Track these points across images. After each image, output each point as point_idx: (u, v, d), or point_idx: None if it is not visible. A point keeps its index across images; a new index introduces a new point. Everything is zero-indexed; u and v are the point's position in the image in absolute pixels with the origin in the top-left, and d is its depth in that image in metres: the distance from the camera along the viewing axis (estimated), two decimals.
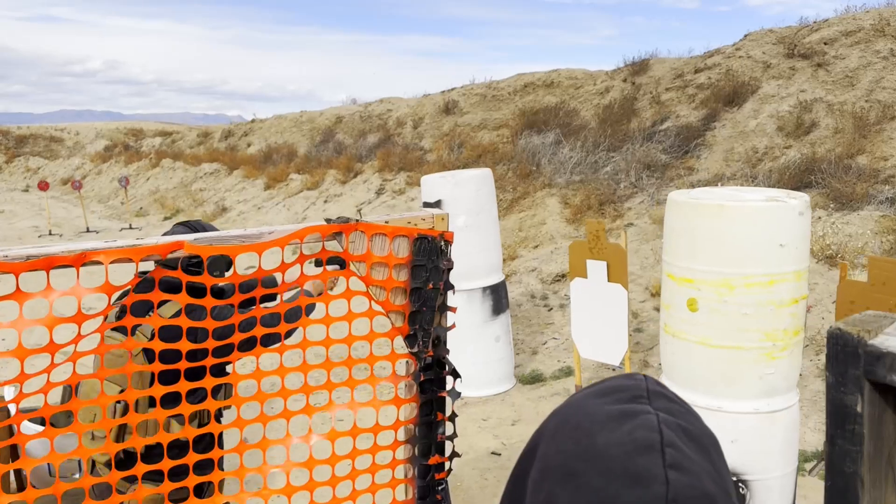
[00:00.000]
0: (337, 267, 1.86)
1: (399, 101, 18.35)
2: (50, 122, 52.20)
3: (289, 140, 19.77)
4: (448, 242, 1.79)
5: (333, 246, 1.73)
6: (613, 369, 5.88)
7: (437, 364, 1.84)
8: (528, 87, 14.16)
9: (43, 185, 16.43)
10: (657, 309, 6.55)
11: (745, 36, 11.44)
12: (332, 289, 2.36)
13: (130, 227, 15.83)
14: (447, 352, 1.84)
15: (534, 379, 5.76)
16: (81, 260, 1.50)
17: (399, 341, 1.81)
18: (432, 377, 1.83)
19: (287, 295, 2.23)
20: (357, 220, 1.72)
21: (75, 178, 21.08)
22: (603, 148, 9.79)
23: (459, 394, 1.89)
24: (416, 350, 1.81)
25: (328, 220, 1.72)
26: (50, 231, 15.31)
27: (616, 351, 5.13)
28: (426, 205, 5.33)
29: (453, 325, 1.86)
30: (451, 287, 1.80)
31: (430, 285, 1.75)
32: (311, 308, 2.23)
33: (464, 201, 5.13)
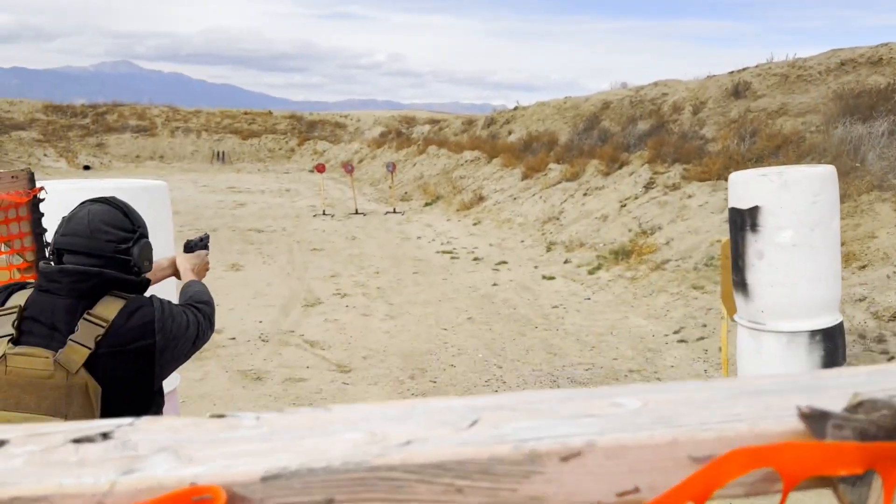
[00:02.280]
0: None
1: (676, 84, 16.46)
2: (340, 110, 57.76)
3: (550, 128, 18.89)
4: None
5: None
6: None
7: None
8: (845, 66, 11.58)
9: (320, 168, 17.48)
10: None
11: None
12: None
13: (395, 211, 16.16)
14: None
15: None
16: None
17: None
18: None
19: (191, 289, 1.99)
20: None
21: (348, 163, 22.38)
22: None
23: None
24: None
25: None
26: (324, 211, 16.19)
27: None
28: (734, 211, 3.95)
29: None
30: None
31: None
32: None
33: (794, 210, 3.67)
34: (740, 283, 3.88)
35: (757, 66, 14.07)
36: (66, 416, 1.54)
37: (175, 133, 34.40)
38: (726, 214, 8.98)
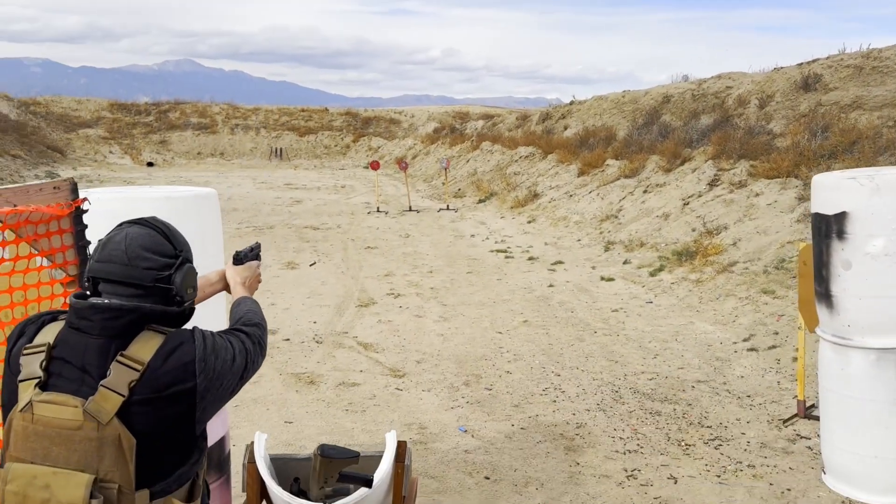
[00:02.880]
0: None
1: (741, 77, 15.83)
2: (394, 105, 58.01)
3: (607, 122, 18.45)
4: None
5: None
6: None
7: None
8: None
9: (374, 165, 17.48)
10: None
11: None
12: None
13: (448, 208, 16.04)
14: None
15: None
16: None
17: None
18: None
19: (241, 309, 1.81)
20: None
21: (402, 160, 22.38)
22: None
23: None
24: None
25: None
26: (378, 208, 16.20)
27: None
28: (818, 217, 3.65)
29: None
30: None
31: None
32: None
33: (887, 217, 3.35)
34: (823, 295, 3.57)
35: (828, 58, 13.40)
36: (98, 472, 1.39)
37: (235, 130, 35.06)
38: (797, 214, 8.55)
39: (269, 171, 27.38)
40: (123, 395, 1.40)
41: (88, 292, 1.51)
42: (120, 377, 1.41)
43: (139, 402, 1.42)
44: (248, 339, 1.64)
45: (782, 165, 9.74)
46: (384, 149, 31.98)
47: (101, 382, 1.41)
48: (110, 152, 30.56)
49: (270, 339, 6.45)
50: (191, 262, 1.60)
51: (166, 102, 36.92)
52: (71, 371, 1.44)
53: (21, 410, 1.42)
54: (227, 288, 1.99)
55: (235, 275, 1.97)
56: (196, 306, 1.67)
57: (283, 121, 36.41)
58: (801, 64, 14.04)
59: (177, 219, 2.40)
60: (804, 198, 8.40)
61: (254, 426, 4.49)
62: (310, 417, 4.68)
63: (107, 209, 2.22)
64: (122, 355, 1.43)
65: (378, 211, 15.77)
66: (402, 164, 17.98)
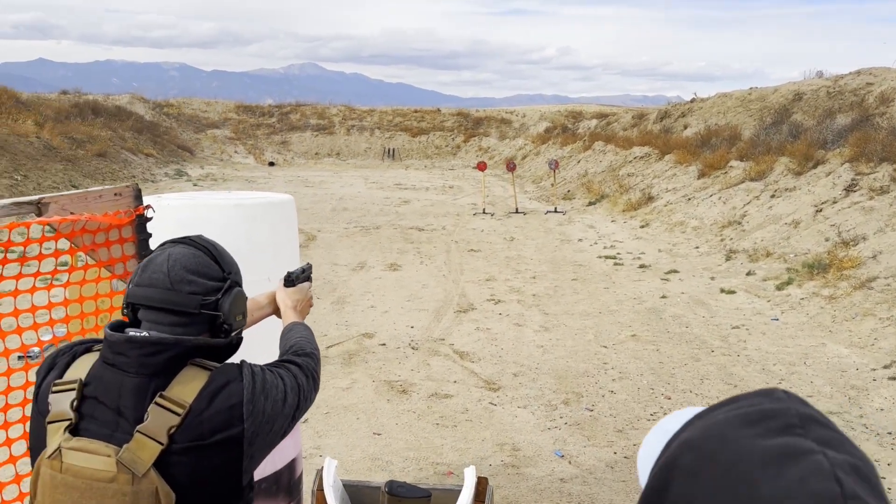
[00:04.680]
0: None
1: (884, 73, 14.41)
2: (508, 105, 57.66)
3: (732, 121, 17.34)
4: None
5: None
6: None
7: None
8: None
9: (481, 166, 17.29)
10: None
11: None
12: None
13: (556, 211, 15.61)
14: None
15: None
16: None
17: None
18: None
19: (293, 336, 1.63)
20: None
21: (511, 160, 22.06)
22: None
23: None
24: None
25: None
26: (484, 210, 15.99)
27: None
28: None
29: None
30: None
31: None
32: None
33: None
34: None
35: None
36: None
37: (351, 131, 36.00)
38: None
39: (381, 171, 27.84)
40: (162, 444, 1.23)
41: (127, 320, 1.36)
42: (159, 422, 1.24)
43: (180, 450, 1.24)
44: (300, 373, 1.44)
45: None
46: (494, 149, 31.79)
47: (138, 428, 1.24)
48: (235, 152, 32.16)
49: (367, 343, 6.37)
50: (240, 285, 1.41)
51: (288, 104, 38.46)
52: (104, 413, 1.27)
53: (49, 457, 1.27)
54: (276, 312, 1.81)
55: (286, 298, 1.79)
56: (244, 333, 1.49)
57: (397, 121, 37.00)
58: None
59: (248, 227, 2.27)
60: None
61: (342, 436, 4.38)
62: (399, 430, 4.51)
63: (174, 217, 2.11)
64: (161, 396, 1.26)
65: (484, 213, 15.56)
66: (509, 164, 17.70)
